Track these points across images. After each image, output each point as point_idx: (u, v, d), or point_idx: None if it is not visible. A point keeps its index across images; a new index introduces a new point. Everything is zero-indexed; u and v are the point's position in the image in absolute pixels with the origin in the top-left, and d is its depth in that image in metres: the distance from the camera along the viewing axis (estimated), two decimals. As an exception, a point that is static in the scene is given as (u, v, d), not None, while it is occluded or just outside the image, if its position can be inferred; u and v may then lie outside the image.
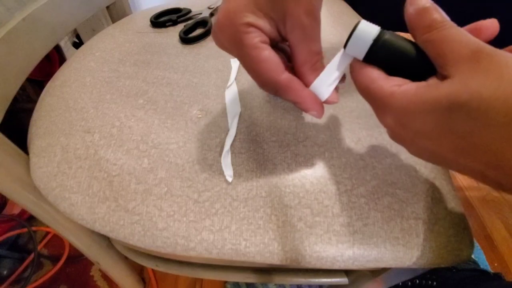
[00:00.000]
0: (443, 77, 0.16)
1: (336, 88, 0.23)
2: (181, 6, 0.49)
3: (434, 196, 0.26)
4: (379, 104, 0.18)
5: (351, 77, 0.20)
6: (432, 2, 0.17)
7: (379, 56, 0.19)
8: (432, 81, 0.16)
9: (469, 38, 0.15)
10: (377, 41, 0.18)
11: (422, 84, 0.16)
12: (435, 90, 0.15)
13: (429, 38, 0.16)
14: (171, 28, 0.46)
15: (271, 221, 0.25)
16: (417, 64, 0.18)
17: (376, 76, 0.18)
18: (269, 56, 0.20)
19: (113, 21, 0.54)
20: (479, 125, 0.14)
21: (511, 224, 0.74)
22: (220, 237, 0.25)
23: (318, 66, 0.21)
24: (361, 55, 0.19)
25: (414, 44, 0.18)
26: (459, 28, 0.16)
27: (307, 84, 0.22)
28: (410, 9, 0.17)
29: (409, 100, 0.16)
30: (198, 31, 0.43)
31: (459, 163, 0.17)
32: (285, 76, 0.21)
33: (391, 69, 0.19)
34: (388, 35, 0.18)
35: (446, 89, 0.15)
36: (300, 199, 0.26)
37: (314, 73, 0.21)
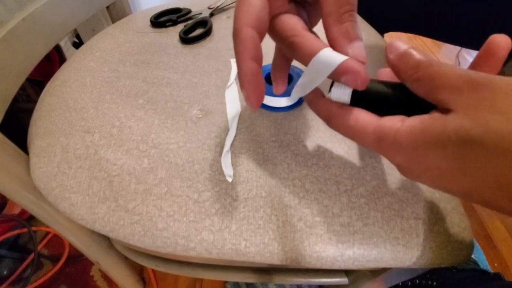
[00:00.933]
0: (445, 111, 0.15)
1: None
2: (181, 6, 0.49)
3: (434, 196, 0.26)
4: (385, 144, 0.18)
5: (340, 126, 0.20)
6: (410, 45, 0.17)
7: (365, 99, 0.19)
8: (436, 114, 0.16)
9: (459, 70, 0.15)
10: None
11: (425, 117, 0.16)
12: (442, 125, 0.15)
13: (419, 77, 0.16)
14: (171, 28, 0.46)
15: (271, 221, 0.25)
16: (404, 102, 0.18)
17: (370, 118, 0.18)
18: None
19: (113, 21, 0.54)
20: (492, 158, 0.14)
21: (511, 224, 0.74)
22: (220, 237, 0.25)
23: (346, 18, 0.19)
24: (347, 100, 0.19)
25: (395, 85, 0.18)
26: (445, 63, 0.16)
27: (329, 39, 0.19)
28: (390, 56, 0.18)
29: (417, 137, 0.16)
30: (198, 31, 0.43)
31: (479, 195, 0.16)
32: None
33: (379, 111, 0.19)
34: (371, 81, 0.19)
35: (452, 123, 0.15)
36: (300, 199, 0.26)
37: (339, 26, 0.19)
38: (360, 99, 0.19)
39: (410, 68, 0.17)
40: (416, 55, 0.17)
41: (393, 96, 0.18)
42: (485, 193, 0.15)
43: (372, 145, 0.19)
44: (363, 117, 0.19)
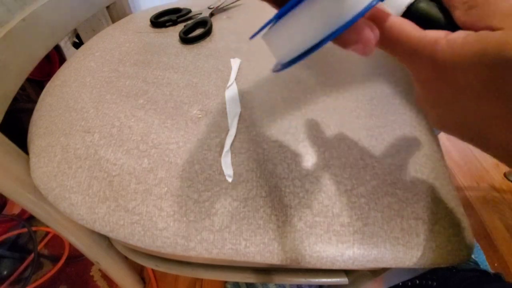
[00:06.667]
0: (493, 29, 0.14)
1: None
2: (181, 6, 0.49)
3: (434, 196, 0.26)
4: (419, 53, 0.16)
5: (384, 26, 0.18)
6: None
7: (417, 14, 0.17)
8: (483, 31, 0.14)
9: None
10: (413, 4, 0.17)
11: (471, 33, 0.15)
12: (484, 39, 0.14)
13: (473, 4, 0.15)
14: (171, 28, 0.46)
15: (271, 221, 0.25)
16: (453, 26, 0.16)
17: (415, 27, 0.17)
18: None
19: (113, 21, 0.54)
20: None
21: (511, 224, 0.74)
22: (220, 237, 0.25)
23: None
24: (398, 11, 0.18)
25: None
26: None
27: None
28: None
29: (455, 49, 0.15)
30: (198, 31, 0.43)
31: (491, 133, 0.15)
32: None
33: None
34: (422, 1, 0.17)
35: (497, 39, 0.13)
36: (300, 199, 0.26)
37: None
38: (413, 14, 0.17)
39: None
40: None
41: (443, 21, 0.17)
42: (500, 131, 0.14)
43: (404, 53, 0.17)
44: (408, 23, 0.17)
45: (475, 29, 0.15)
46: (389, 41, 0.18)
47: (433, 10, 0.17)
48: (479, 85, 0.14)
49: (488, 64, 0.14)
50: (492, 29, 0.14)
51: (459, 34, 0.15)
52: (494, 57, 0.13)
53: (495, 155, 0.17)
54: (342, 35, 0.16)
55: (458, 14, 0.16)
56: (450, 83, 0.16)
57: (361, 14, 0.15)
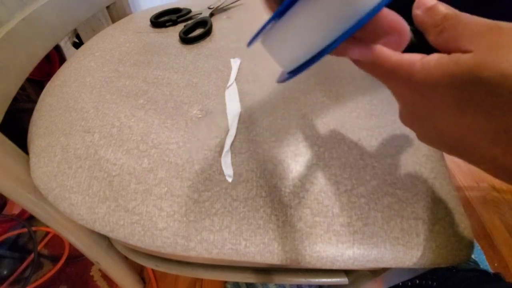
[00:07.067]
0: (465, 52, 0.15)
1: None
2: (181, 6, 0.49)
3: (434, 196, 0.26)
4: (397, 74, 0.17)
5: (360, 53, 0.18)
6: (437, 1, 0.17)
7: None
8: (454, 54, 0.15)
9: (482, 19, 0.15)
10: None
11: (444, 55, 0.16)
12: (455, 63, 0.15)
13: (444, 28, 0.16)
14: (171, 28, 0.46)
15: (271, 221, 0.25)
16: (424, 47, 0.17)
17: (393, 51, 0.18)
18: None
19: (113, 21, 0.54)
20: (501, 103, 0.13)
21: (511, 224, 0.74)
22: (220, 237, 0.25)
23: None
24: None
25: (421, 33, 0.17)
26: (471, 15, 0.16)
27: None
28: (417, 12, 0.17)
29: (430, 71, 0.16)
30: (198, 31, 0.43)
31: (473, 146, 0.16)
32: None
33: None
34: None
35: (467, 62, 0.14)
36: (300, 199, 0.26)
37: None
38: None
39: (436, 21, 0.16)
40: (443, 9, 0.16)
41: (420, 45, 0.17)
42: (481, 144, 0.15)
43: (384, 76, 0.19)
44: (384, 49, 0.18)
45: (448, 51, 0.16)
46: (370, 64, 0.19)
47: (410, 36, 0.18)
48: (455, 104, 0.15)
49: (461, 85, 0.14)
50: (462, 51, 0.15)
51: (433, 57, 0.16)
52: (467, 79, 0.14)
53: (483, 168, 0.17)
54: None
55: (432, 38, 0.17)
56: (427, 102, 0.17)
57: (381, 5, 0.14)
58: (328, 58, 0.20)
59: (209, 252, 0.25)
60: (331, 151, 0.28)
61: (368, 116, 0.31)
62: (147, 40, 0.43)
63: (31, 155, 0.31)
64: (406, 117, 0.20)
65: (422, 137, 0.20)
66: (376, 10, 0.14)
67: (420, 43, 0.18)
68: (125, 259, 0.51)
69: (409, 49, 0.18)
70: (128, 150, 0.29)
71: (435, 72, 0.15)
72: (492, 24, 0.14)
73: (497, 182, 0.84)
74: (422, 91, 0.16)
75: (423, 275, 0.57)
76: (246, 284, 0.64)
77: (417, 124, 0.19)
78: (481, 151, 0.16)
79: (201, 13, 0.48)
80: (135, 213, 0.26)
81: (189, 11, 0.48)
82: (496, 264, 0.68)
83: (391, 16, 0.17)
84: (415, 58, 0.17)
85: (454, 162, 0.88)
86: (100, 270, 0.67)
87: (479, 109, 0.14)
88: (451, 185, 0.27)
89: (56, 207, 0.28)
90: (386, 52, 0.18)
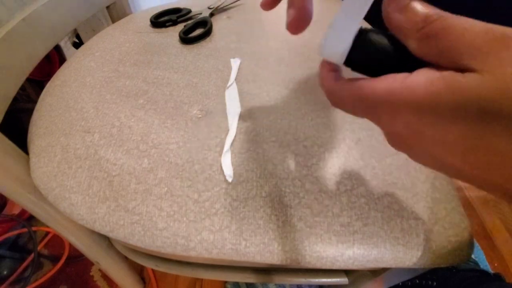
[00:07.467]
0: (464, 70, 0.12)
1: None
2: (181, 6, 0.49)
3: (434, 196, 0.26)
4: (376, 108, 0.15)
5: (331, 96, 0.18)
6: None
7: (361, 56, 0.15)
8: (449, 74, 0.12)
9: (482, 23, 0.11)
10: (359, 38, 0.15)
11: (435, 77, 0.12)
12: (458, 89, 0.11)
13: (429, 33, 0.12)
14: (171, 28, 0.46)
15: (271, 221, 0.25)
16: (405, 59, 0.14)
17: (361, 81, 0.15)
18: None
19: (113, 21, 0.54)
20: None
21: (511, 224, 0.74)
22: (220, 237, 0.25)
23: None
24: (341, 58, 0.16)
25: (390, 36, 0.15)
26: (460, 16, 0.12)
27: None
28: (389, 9, 0.14)
29: (421, 100, 0.12)
30: (198, 31, 0.43)
31: (481, 179, 0.13)
32: None
33: (373, 71, 0.15)
34: (370, 32, 0.15)
35: (474, 88, 0.11)
36: (300, 199, 0.26)
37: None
38: (358, 55, 0.16)
39: (416, 23, 0.13)
40: (421, 7, 0.13)
41: (398, 55, 0.15)
42: (499, 180, 0.12)
43: (366, 111, 0.15)
44: (352, 82, 0.16)
45: (437, 63, 0.13)
46: (343, 105, 0.17)
47: (383, 41, 0.15)
48: (456, 139, 0.12)
49: (468, 115, 0.11)
50: (461, 69, 0.12)
51: (419, 81, 0.12)
52: (476, 109, 0.11)
53: (486, 191, 0.14)
54: None
55: (414, 47, 0.13)
56: (416, 136, 0.14)
57: None
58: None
59: (209, 252, 0.25)
60: (331, 151, 0.28)
61: (368, 116, 0.31)
62: (147, 40, 0.43)
63: (31, 155, 0.31)
64: (393, 144, 0.17)
65: (416, 160, 0.16)
66: None
67: (396, 52, 0.15)
68: (125, 259, 0.51)
69: (381, 60, 0.15)
70: (128, 150, 0.29)
71: (430, 99, 0.12)
72: (497, 33, 0.11)
73: (497, 182, 0.83)
74: (416, 123, 0.13)
75: (423, 275, 0.57)
76: (246, 284, 0.64)
77: (407, 151, 0.16)
78: (483, 180, 0.13)
79: (201, 13, 0.48)
80: (135, 213, 0.26)
81: (189, 11, 0.48)
82: (496, 264, 0.68)
83: None
84: (394, 85, 0.13)
85: (454, 162, 0.88)
86: (100, 270, 0.67)
87: (489, 145, 0.11)
88: (451, 185, 0.27)
89: (56, 207, 0.28)
90: (356, 85, 0.15)
